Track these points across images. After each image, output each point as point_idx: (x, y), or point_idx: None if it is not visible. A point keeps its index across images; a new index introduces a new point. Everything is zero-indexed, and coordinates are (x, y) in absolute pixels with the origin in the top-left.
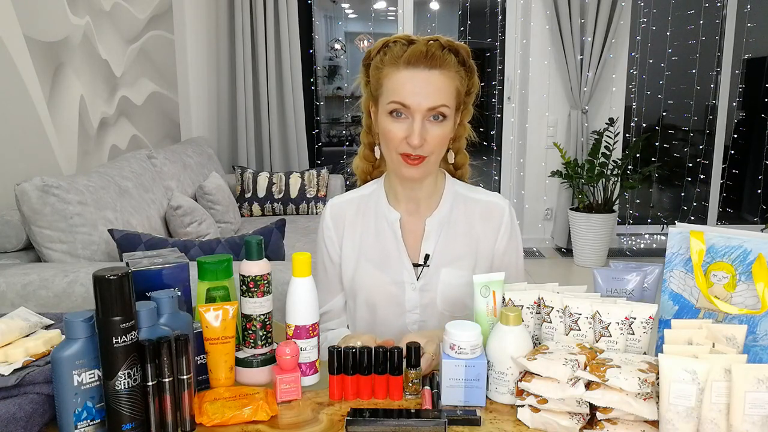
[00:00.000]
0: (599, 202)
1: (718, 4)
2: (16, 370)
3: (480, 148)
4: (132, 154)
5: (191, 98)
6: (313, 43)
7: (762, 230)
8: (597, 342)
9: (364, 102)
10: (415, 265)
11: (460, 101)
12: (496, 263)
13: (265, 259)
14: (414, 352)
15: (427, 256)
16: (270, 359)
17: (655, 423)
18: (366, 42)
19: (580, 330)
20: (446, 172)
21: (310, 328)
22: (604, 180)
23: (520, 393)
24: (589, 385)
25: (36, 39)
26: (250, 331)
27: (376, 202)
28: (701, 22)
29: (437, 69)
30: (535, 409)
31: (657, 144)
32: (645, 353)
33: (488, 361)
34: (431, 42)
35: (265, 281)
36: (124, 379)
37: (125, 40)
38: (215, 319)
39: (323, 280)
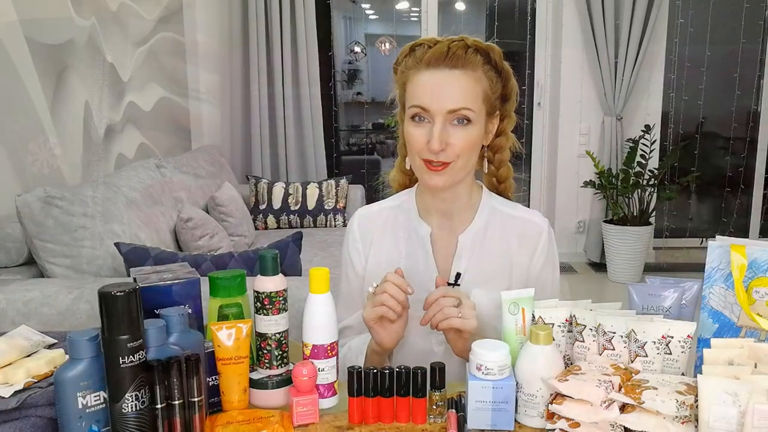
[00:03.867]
0: (635, 214)
1: (761, 4)
2: (16, 392)
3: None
4: (140, 163)
5: (203, 104)
6: (331, 45)
7: None
8: (632, 362)
9: (399, 111)
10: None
11: (490, 106)
12: (530, 285)
13: (280, 274)
14: (438, 372)
15: (458, 275)
16: (286, 380)
17: None
18: (387, 44)
19: (614, 350)
20: (483, 186)
21: (329, 348)
22: (639, 191)
23: (551, 416)
24: (624, 407)
25: (38, 41)
26: (265, 351)
27: (406, 214)
28: (743, 23)
29: (459, 69)
30: None
31: (696, 152)
32: (683, 374)
33: (517, 383)
34: (455, 42)
35: (281, 298)
36: (132, 401)
37: (133, 42)
38: (228, 338)
39: (346, 293)
